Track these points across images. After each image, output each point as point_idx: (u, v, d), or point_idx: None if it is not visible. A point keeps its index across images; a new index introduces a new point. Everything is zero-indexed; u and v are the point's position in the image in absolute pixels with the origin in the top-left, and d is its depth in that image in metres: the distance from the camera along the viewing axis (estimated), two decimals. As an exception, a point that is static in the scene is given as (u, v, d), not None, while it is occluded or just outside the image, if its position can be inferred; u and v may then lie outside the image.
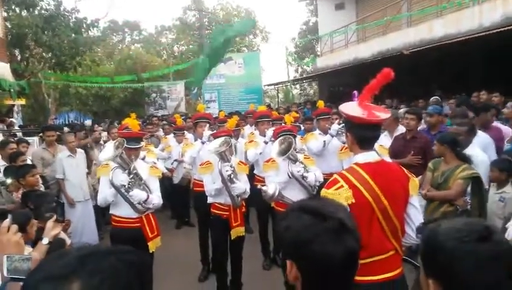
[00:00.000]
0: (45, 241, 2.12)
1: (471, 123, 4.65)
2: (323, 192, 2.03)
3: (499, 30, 7.85)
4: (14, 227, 1.65)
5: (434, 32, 10.53)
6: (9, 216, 1.99)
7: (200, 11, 22.98)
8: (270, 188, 3.42)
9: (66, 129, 7.89)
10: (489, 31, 8.11)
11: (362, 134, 2.07)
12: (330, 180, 2.08)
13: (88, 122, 10.81)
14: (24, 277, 1.36)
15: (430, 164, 3.97)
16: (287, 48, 25.35)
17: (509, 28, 7.52)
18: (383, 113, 2.13)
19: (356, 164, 2.08)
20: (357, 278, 2.04)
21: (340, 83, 15.75)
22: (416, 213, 2.14)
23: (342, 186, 1.99)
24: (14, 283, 1.48)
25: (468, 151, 3.96)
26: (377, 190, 1.99)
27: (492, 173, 3.93)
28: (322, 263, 1.08)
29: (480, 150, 4.27)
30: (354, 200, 1.95)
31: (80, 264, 0.65)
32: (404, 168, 2.20)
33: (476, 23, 9.06)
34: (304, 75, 24.63)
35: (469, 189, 3.73)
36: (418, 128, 4.96)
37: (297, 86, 26.63)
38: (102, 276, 0.64)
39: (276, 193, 3.39)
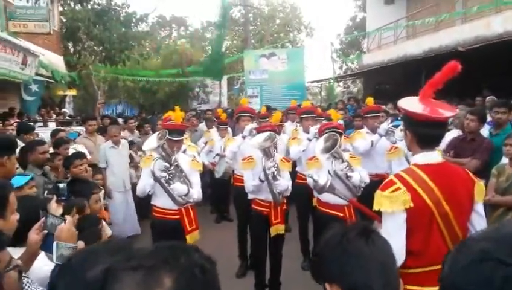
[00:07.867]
0: None
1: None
2: (378, 194, 1.86)
3: None
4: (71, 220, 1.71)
5: (492, 29, 9.85)
6: None
7: (245, 7, 22.92)
8: (322, 178, 3.23)
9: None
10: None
11: (423, 132, 1.87)
12: (386, 181, 1.91)
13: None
14: None
15: (493, 169, 3.67)
16: (333, 44, 24.88)
17: None
18: (447, 111, 1.92)
19: (415, 164, 1.90)
20: (408, 287, 1.88)
21: (387, 81, 15.17)
22: (481, 221, 1.92)
23: (398, 188, 1.81)
24: None
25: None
26: (438, 194, 1.80)
27: None
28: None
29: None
30: (412, 204, 1.78)
31: (172, 257, 0.62)
32: (469, 172, 1.98)
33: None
34: (349, 73, 24.01)
35: None
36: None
37: (341, 83, 26.02)
38: (193, 272, 0.62)
39: (328, 184, 3.20)
